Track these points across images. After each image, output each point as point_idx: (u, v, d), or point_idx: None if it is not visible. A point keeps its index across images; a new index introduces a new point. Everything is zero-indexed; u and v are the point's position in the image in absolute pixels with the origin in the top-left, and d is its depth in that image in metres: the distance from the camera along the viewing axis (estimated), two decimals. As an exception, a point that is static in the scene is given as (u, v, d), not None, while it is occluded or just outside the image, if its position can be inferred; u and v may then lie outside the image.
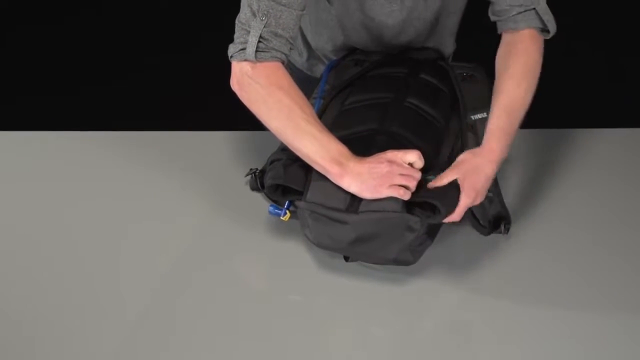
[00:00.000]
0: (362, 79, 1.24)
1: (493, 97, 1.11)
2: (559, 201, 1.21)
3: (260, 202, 1.19)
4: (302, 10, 1.08)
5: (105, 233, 1.15)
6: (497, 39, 1.20)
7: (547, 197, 1.22)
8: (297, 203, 1.06)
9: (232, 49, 1.08)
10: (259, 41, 1.04)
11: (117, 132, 1.37)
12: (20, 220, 1.18)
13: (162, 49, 3.07)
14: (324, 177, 1.03)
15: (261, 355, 0.96)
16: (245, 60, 1.06)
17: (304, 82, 1.23)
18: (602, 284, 1.06)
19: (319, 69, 1.41)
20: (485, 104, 1.15)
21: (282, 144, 1.11)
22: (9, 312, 1.02)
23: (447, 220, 1.01)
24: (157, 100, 2.77)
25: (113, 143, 1.35)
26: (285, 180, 1.09)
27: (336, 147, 1.02)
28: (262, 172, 1.19)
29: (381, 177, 0.99)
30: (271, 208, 1.13)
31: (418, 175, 1.01)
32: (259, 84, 1.06)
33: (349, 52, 1.33)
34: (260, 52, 1.05)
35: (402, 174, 0.99)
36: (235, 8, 1.10)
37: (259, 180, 1.19)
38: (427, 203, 0.99)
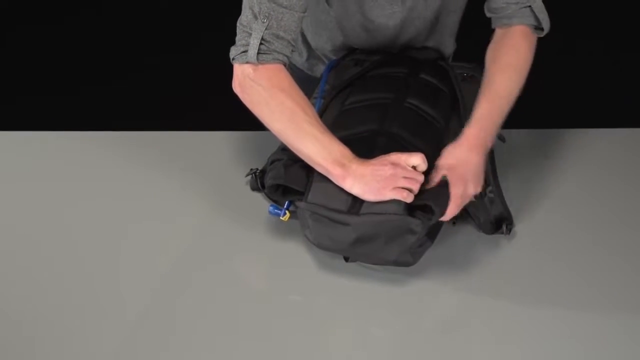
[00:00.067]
0: (362, 79, 1.24)
1: (480, 89, 1.13)
2: (558, 201, 1.21)
3: (260, 202, 1.19)
4: (304, 12, 1.08)
5: (105, 233, 1.15)
6: (496, 38, 1.20)
7: (546, 197, 1.22)
8: (298, 204, 1.06)
9: (233, 52, 1.08)
10: (260, 43, 1.04)
11: (117, 132, 1.37)
12: (20, 220, 1.18)
13: (162, 49, 3.07)
14: (325, 179, 1.03)
15: (261, 355, 0.96)
16: (247, 62, 1.06)
17: (304, 82, 1.23)
18: (602, 284, 1.06)
19: (319, 69, 1.41)
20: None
21: (282, 144, 1.11)
22: (9, 312, 1.02)
23: (445, 217, 1.01)
24: (157, 100, 2.77)
25: (113, 143, 1.34)
26: (286, 181, 1.09)
27: (338, 149, 1.02)
28: (263, 172, 1.19)
29: (385, 179, 0.99)
30: (271, 208, 1.13)
31: (421, 178, 1.01)
32: (261, 86, 1.06)
33: (349, 52, 1.33)
34: (262, 55, 1.05)
35: (405, 177, 0.99)
36: (236, 8, 1.10)
37: (259, 180, 1.19)
38: (428, 205, 0.99)
